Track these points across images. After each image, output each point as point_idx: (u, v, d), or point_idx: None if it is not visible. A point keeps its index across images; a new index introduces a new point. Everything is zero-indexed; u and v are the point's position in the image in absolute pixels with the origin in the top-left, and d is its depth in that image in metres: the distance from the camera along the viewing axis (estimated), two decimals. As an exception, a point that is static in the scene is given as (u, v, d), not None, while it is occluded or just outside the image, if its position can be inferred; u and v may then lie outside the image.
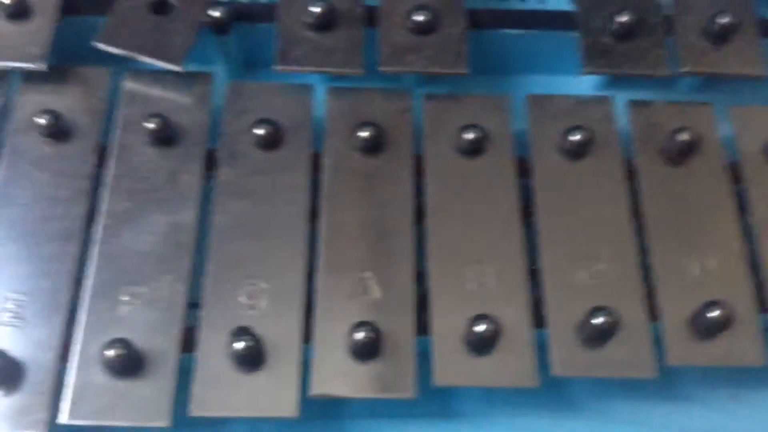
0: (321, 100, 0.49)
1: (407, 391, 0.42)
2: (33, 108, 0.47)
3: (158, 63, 0.47)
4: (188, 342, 0.42)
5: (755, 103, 0.51)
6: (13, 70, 0.48)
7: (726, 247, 0.46)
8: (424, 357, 0.43)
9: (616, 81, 0.53)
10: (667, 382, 0.45)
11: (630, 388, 0.46)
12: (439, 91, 0.50)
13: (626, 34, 0.50)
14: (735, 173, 0.49)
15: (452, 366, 0.42)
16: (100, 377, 0.41)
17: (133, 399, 0.41)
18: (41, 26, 0.48)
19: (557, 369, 0.43)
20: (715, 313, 0.43)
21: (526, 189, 0.47)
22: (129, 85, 0.49)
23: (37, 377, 0.41)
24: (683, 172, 0.48)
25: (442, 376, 0.42)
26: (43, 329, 0.42)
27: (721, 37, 0.50)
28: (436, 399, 0.45)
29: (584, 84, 0.54)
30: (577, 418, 0.45)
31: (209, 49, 0.52)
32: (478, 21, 0.51)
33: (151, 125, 0.46)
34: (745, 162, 0.49)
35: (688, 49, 0.50)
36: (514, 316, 0.43)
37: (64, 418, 0.40)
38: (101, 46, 0.47)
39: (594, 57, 0.50)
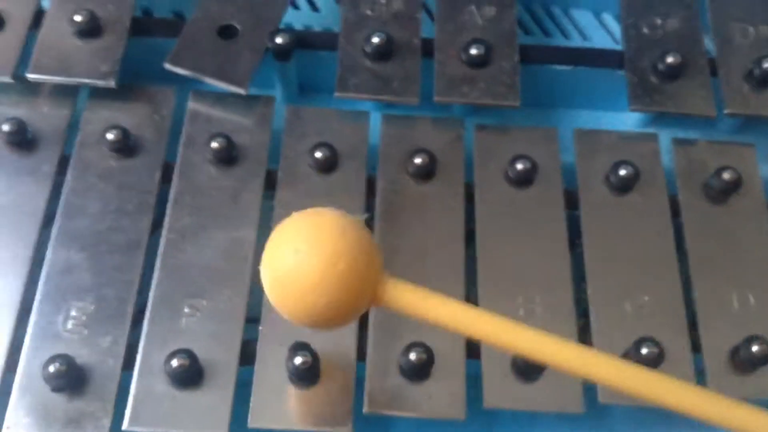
0: (375, 126, 0.51)
1: (458, 412, 0.43)
2: (100, 123, 0.49)
3: (224, 85, 0.49)
4: (247, 355, 0.44)
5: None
6: (83, 86, 0.50)
7: (764, 283, 0.48)
8: (472, 380, 0.44)
9: (660, 119, 0.55)
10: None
11: (671, 417, 0.47)
12: (488, 122, 0.52)
13: (672, 74, 0.52)
14: (775, 213, 0.50)
15: (501, 389, 0.44)
16: (162, 386, 0.42)
17: (193, 408, 0.42)
18: (111, 45, 0.50)
19: (603, 397, 0.44)
20: (755, 348, 0.44)
21: (572, 220, 0.49)
22: (194, 105, 0.51)
23: (101, 384, 0.42)
24: (725, 209, 0.50)
25: (491, 399, 0.43)
26: (107, 337, 0.44)
27: (764, 80, 0.52)
28: (480, 420, 0.47)
29: (629, 120, 0.55)
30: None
31: (268, 73, 0.53)
32: (529, 56, 0.53)
33: (215, 145, 0.48)
34: (786, 202, 0.51)
35: (732, 92, 0.52)
36: (562, 343, 0.45)
37: (125, 424, 0.42)
38: (170, 67, 0.49)
39: (641, 95, 0.51)
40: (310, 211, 0.35)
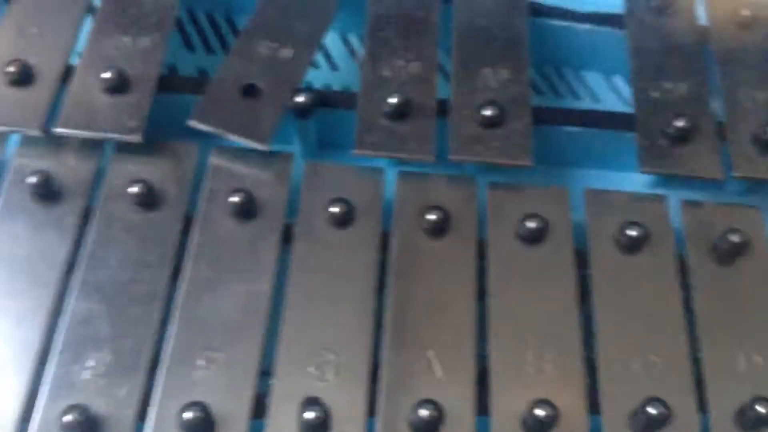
0: (390, 183, 0.53)
1: (467, 468, 0.44)
2: (125, 176, 0.51)
3: (246, 142, 0.51)
4: (259, 408, 0.45)
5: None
6: (109, 141, 0.52)
7: (773, 345, 0.48)
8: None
9: (669, 181, 0.56)
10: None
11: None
12: (500, 180, 0.53)
13: (681, 137, 0.53)
14: (782, 275, 0.51)
15: (510, 447, 0.44)
16: (175, 437, 0.43)
17: (206, 460, 0.43)
18: (138, 101, 0.52)
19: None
20: (761, 408, 0.45)
21: (583, 279, 0.50)
22: (215, 160, 0.52)
23: (117, 434, 0.43)
24: (733, 271, 0.51)
25: (501, 456, 0.44)
26: (123, 388, 0.44)
27: (769, 144, 0.53)
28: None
29: (638, 181, 0.57)
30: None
31: (288, 129, 0.55)
32: (541, 117, 0.54)
33: (235, 199, 0.49)
34: (792, 264, 0.51)
35: (740, 155, 0.53)
36: (571, 402, 0.45)
37: (140, 474, 0.43)
38: (195, 124, 0.51)
39: (650, 158, 0.53)
40: None
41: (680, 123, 0.53)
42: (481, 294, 0.49)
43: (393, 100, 0.52)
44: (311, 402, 0.43)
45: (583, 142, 0.56)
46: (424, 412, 0.43)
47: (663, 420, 0.44)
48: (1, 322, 0.46)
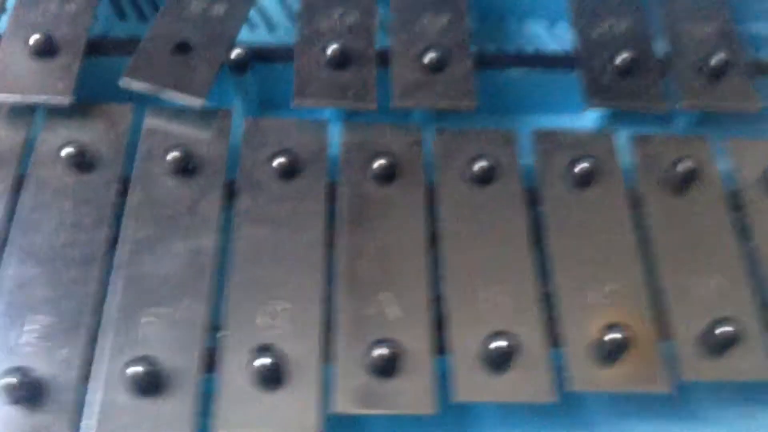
0: (334, 135, 0.51)
1: (428, 407, 0.42)
2: (57, 141, 0.49)
3: (181, 97, 0.49)
4: (210, 362, 0.43)
5: (747, 137, 0.53)
6: (39, 106, 0.50)
7: (728, 268, 0.48)
8: (441, 378, 0.43)
9: (616, 119, 0.56)
10: (680, 400, 0.46)
11: (644, 406, 0.46)
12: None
13: (625, 72, 0.53)
14: (734, 201, 0.51)
15: (471, 383, 0.43)
16: (122, 396, 0.41)
17: (156, 417, 0.41)
18: (67, 63, 0.50)
19: (574, 385, 0.43)
20: (722, 330, 0.44)
21: (535, 217, 0.49)
22: (151, 120, 0.50)
23: (60, 396, 0.41)
24: (685, 199, 0.50)
25: (461, 393, 0.43)
26: (65, 349, 0.42)
27: (715, 75, 0.53)
28: (454, 420, 0.46)
29: (585, 123, 0.56)
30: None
31: (226, 89, 0.54)
32: (484, 62, 0.54)
33: (172, 155, 0.48)
34: (744, 191, 0.51)
35: (685, 87, 0.53)
36: (529, 335, 0.44)
37: (85, 437, 0.40)
38: (127, 81, 0.49)
39: (595, 93, 0.52)
40: None
41: (623, 57, 0.52)
42: (433, 237, 0.48)
43: (331, 49, 0.51)
44: (263, 349, 0.42)
45: (528, 86, 0.55)
46: (380, 351, 0.42)
47: (623, 345, 0.43)
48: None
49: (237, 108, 0.54)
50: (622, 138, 0.53)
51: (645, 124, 0.55)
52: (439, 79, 0.52)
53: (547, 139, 0.52)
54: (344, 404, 0.42)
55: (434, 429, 0.45)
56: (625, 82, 0.53)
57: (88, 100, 0.50)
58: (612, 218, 0.49)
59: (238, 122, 0.52)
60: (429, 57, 0.52)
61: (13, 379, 0.40)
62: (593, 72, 0.53)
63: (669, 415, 0.46)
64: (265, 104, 0.56)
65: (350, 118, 0.53)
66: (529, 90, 0.56)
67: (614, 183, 0.50)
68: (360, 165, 0.50)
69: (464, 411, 0.46)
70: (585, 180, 0.50)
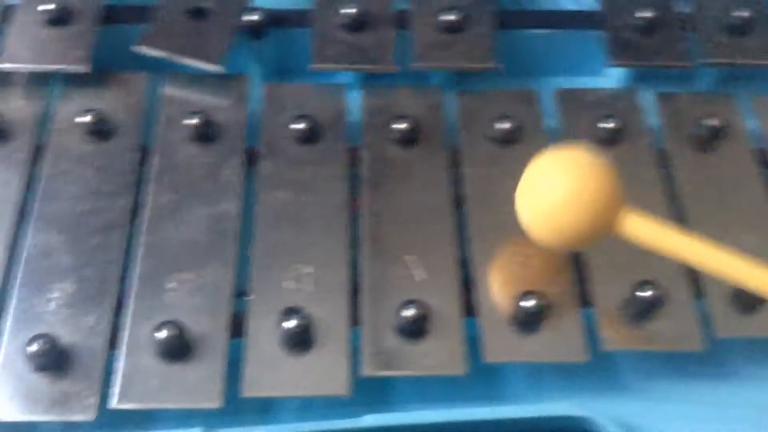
0: (353, 100, 0.51)
1: (458, 368, 0.42)
2: (75, 110, 0.48)
3: (198, 64, 0.49)
4: (237, 328, 0.42)
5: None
6: (55, 73, 0.49)
7: (759, 225, 0.47)
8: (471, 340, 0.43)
9: (637, 79, 0.55)
10: (714, 358, 0.45)
11: (677, 365, 0.46)
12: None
13: (649, 29, 0.52)
14: (762, 158, 0.50)
15: (500, 344, 0.42)
16: (150, 361, 0.41)
17: (184, 382, 0.40)
18: (83, 31, 0.50)
19: (606, 344, 0.43)
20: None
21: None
22: (169, 87, 0.50)
23: (86, 363, 0.41)
24: (713, 156, 0.49)
25: (490, 354, 0.42)
26: (91, 316, 0.42)
27: (739, 30, 0.52)
28: (484, 383, 0.45)
29: (604, 84, 0.55)
30: (625, 397, 0.45)
31: (243, 55, 0.53)
32: (506, 22, 0.53)
33: (192, 122, 0.47)
34: (772, 147, 0.50)
35: (709, 43, 0.52)
36: (560, 295, 0.44)
37: (114, 402, 0.40)
38: (143, 49, 0.49)
39: (619, 51, 0.51)
40: (561, 149, 0.42)
41: (646, 14, 0.51)
42: (457, 199, 0.47)
43: (349, 11, 0.50)
44: (291, 311, 0.41)
45: (548, 46, 0.54)
46: (409, 312, 0.41)
47: (655, 304, 0.43)
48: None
49: (252, 74, 0.53)
50: (646, 98, 0.52)
51: (667, 83, 0.55)
52: (459, 38, 0.51)
53: (571, 99, 0.51)
54: (372, 367, 0.41)
55: (463, 391, 0.44)
56: (648, 40, 0.52)
57: (103, 67, 0.50)
58: (639, 176, 0.48)
59: (257, 90, 0.51)
60: (449, 17, 0.51)
61: (39, 346, 0.40)
62: (616, 30, 0.52)
63: (701, 373, 0.45)
64: (282, 70, 0.55)
65: (366, 82, 0.53)
66: (549, 51, 0.55)
67: (641, 141, 0.49)
68: (381, 128, 0.49)
69: (493, 372, 0.45)
70: (611, 139, 0.49)
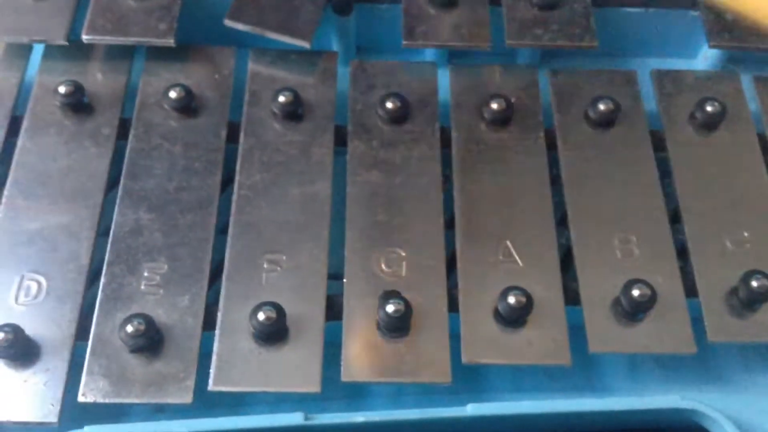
0: (442, 81, 0.49)
1: (563, 358, 0.40)
2: (160, 84, 0.47)
3: (287, 40, 0.47)
4: (333, 310, 0.41)
5: None
6: (138, 47, 0.48)
7: None
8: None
9: (733, 60, 0.53)
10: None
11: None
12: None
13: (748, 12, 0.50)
14: None
15: (604, 333, 0.41)
16: (246, 343, 0.40)
17: (281, 365, 0.39)
18: (168, 3, 0.48)
19: (711, 335, 0.41)
20: None
21: (659, 161, 0.46)
22: (255, 63, 0.48)
23: (181, 344, 0.40)
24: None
25: (595, 344, 0.41)
26: (184, 297, 0.41)
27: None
28: (579, 373, 0.44)
29: (697, 67, 0.53)
30: (728, 390, 0.43)
31: (325, 34, 0.52)
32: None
33: (282, 99, 0.46)
34: None
35: (813, 25, 0.50)
36: (665, 284, 0.42)
37: (210, 385, 0.39)
38: (230, 23, 0.47)
39: (718, 32, 0.49)
40: None
41: (748, -6, 0.49)
42: (553, 181, 0.46)
43: (441, -15, 0.49)
44: (391, 295, 0.40)
45: (645, 24, 0.52)
46: (511, 300, 0.40)
47: (766, 294, 0.41)
48: (45, 236, 0.42)
49: (338, 50, 0.52)
50: (744, 79, 0.50)
51: (763, 66, 0.52)
52: (555, 15, 0.49)
53: (669, 79, 0.49)
54: (473, 354, 0.40)
55: (560, 382, 0.43)
56: (748, 21, 0.50)
57: (187, 41, 0.49)
58: (742, 162, 0.46)
59: (339, 67, 0.50)
60: (544, -7, 0.49)
61: (134, 327, 0.39)
62: (715, 10, 0.50)
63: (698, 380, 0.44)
64: (362, 49, 0.54)
65: (450, 60, 0.51)
66: (644, 30, 0.53)
67: (743, 126, 0.48)
68: (473, 109, 0.47)
69: (588, 362, 0.44)
70: (713, 123, 0.47)
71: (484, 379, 0.44)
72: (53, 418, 0.38)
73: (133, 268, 0.42)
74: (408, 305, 0.40)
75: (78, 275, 0.41)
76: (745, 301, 0.42)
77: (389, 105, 0.46)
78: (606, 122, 0.47)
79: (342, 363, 0.39)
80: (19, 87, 0.47)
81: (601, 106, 0.46)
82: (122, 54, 0.48)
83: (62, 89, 0.45)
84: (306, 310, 0.41)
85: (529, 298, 0.40)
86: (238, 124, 0.47)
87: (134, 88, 0.48)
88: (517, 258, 0.43)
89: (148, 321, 0.39)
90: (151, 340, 0.39)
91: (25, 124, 0.46)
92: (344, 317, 0.41)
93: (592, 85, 0.48)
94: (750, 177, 0.46)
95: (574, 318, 0.41)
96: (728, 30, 0.50)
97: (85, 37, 0.47)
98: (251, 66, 0.48)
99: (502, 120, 0.47)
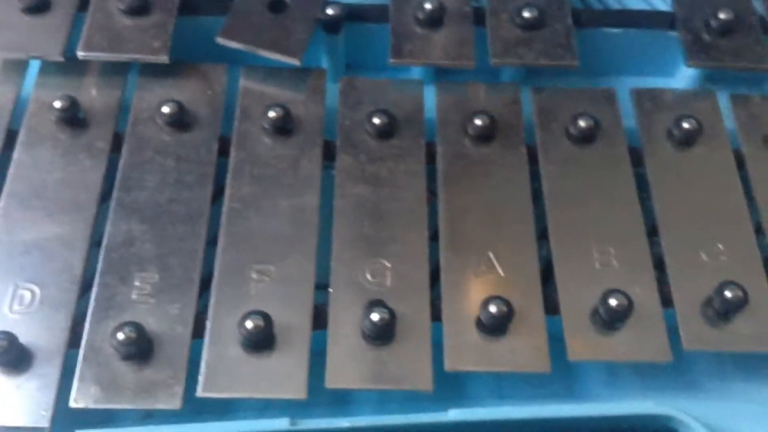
0: (428, 99, 0.50)
1: (543, 365, 0.41)
2: (153, 100, 0.49)
3: (278, 57, 0.49)
4: (319, 319, 0.42)
5: None
6: (133, 63, 0.49)
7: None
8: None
9: (711, 79, 0.54)
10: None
11: (748, 366, 0.45)
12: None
13: (726, 30, 0.51)
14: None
15: (583, 342, 0.42)
16: (234, 351, 0.41)
17: (268, 372, 0.40)
18: (161, 21, 0.50)
19: (687, 344, 0.42)
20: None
21: (637, 177, 0.48)
22: (246, 79, 0.50)
23: (170, 352, 0.41)
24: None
25: (574, 352, 0.42)
26: (174, 305, 0.42)
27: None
28: (559, 380, 0.45)
29: (677, 85, 0.55)
30: (701, 397, 0.45)
31: (315, 51, 0.53)
32: (581, 20, 0.53)
33: (272, 114, 0.47)
34: None
35: (787, 45, 0.52)
36: (642, 294, 0.43)
37: (199, 391, 0.40)
38: (223, 41, 0.49)
39: (696, 52, 0.51)
40: None
41: (723, 15, 0.51)
42: (535, 195, 0.47)
43: (427, 6, 0.50)
44: (376, 304, 0.41)
45: (625, 44, 0.54)
46: (493, 308, 0.41)
47: (740, 304, 0.42)
48: (39, 246, 0.43)
49: (327, 68, 0.54)
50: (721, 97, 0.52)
51: (739, 85, 0.54)
52: (538, 35, 0.51)
53: (648, 97, 0.51)
54: (455, 362, 0.41)
55: (540, 389, 0.44)
56: (725, 41, 0.52)
57: (180, 58, 0.50)
58: (718, 179, 0.48)
59: (328, 85, 0.51)
60: (527, 13, 0.50)
61: (125, 334, 0.40)
62: (692, 31, 0.52)
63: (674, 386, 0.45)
64: (352, 66, 0.55)
65: (437, 78, 0.53)
66: (625, 49, 0.54)
67: (719, 143, 0.49)
68: (457, 125, 0.49)
69: (567, 370, 0.45)
70: (690, 139, 0.48)
71: (467, 387, 0.45)
72: (45, 423, 0.39)
73: (125, 278, 0.43)
74: (392, 314, 0.41)
75: (71, 284, 0.42)
76: (720, 311, 0.43)
77: (377, 121, 0.48)
78: (586, 139, 0.48)
79: (327, 370, 0.41)
80: (15, 101, 0.49)
81: (582, 123, 0.48)
82: (117, 70, 0.50)
83: (58, 104, 0.47)
84: (293, 319, 0.42)
85: (510, 308, 0.42)
86: (229, 138, 0.48)
87: (128, 104, 0.49)
88: (499, 269, 0.44)
89: (139, 329, 0.40)
90: (141, 348, 0.40)
91: (21, 138, 0.47)
92: (329, 325, 0.42)
93: (573, 102, 0.50)
94: (725, 192, 0.47)
95: (554, 327, 0.42)
96: (705, 50, 0.51)
97: (80, 54, 0.48)
98: (242, 82, 0.50)
99: (485, 136, 0.48)
